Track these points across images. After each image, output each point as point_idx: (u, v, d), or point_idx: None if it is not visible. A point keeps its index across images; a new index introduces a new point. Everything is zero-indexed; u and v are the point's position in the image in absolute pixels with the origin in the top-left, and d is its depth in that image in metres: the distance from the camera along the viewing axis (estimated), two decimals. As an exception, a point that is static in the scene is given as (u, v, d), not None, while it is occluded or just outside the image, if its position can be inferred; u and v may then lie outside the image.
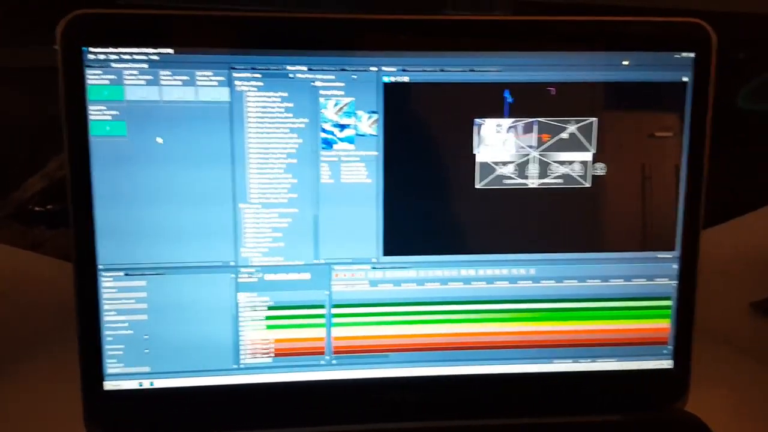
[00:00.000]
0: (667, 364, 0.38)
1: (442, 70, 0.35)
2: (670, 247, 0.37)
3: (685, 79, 0.36)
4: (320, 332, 0.37)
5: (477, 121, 0.36)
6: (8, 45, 0.54)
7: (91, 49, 0.33)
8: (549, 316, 0.37)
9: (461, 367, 0.38)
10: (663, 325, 0.38)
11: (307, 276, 0.36)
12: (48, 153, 0.55)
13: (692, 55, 0.36)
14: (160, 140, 0.34)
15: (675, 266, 0.37)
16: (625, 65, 0.36)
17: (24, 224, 0.54)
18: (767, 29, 0.56)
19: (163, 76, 0.33)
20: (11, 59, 0.54)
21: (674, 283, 0.38)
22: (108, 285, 0.35)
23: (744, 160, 0.60)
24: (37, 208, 0.55)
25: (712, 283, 0.41)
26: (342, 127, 0.35)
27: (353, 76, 0.35)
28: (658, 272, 0.37)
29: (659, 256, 0.37)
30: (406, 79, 0.35)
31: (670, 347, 0.38)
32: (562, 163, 0.36)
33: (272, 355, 0.37)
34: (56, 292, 0.47)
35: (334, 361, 0.37)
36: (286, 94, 0.34)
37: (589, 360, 0.38)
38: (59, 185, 0.54)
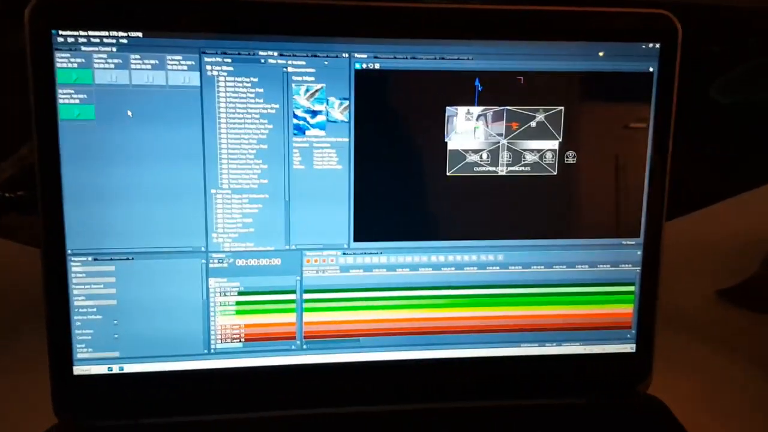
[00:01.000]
0: (630, 348, 0.39)
1: (414, 58, 0.35)
2: (634, 234, 0.38)
3: (651, 69, 0.37)
4: (291, 317, 0.37)
5: (448, 108, 0.36)
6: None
7: (60, 32, 0.33)
8: (516, 301, 0.38)
9: (431, 351, 0.38)
10: (626, 310, 0.39)
11: (277, 261, 0.36)
12: (19, 139, 0.54)
13: (658, 45, 0.36)
14: (130, 113, 0.33)
15: (639, 253, 0.38)
16: (593, 55, 0.36)
17: (-5, 211, 0.54)
18: (741, 22, 0.57)
19: (133, 59, 0.33)
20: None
21: (638, 269, 0.38)
22: (77, 270, 0.35)
23: (715, 151, 0.61)
24: (8, 195, 0.54)
25: (680, 272, 0.42)
26: (313, 113, 0.35)
27: (325, 62, 0.35)
28: (622, 258, 0.38)
29: (624, 242, 0.38)
30: (377, 66, 0.35)
31: (634, 332, 0.39)
32: (530, 151, 0.37)
33: (243, 340, 0.37)
34: (29, 279, 0.46)
35: (305, 346, 0.37)
36: (257, 80, 0.34)
37: (554, 344, 0.39)
38: (31, 171, 0.53)
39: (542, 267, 0.38)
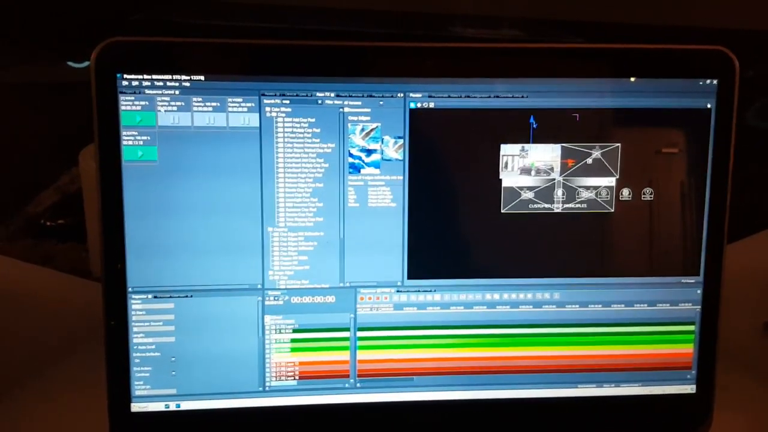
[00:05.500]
0: (690, 389, 0.38)
1: (468, 96, 0.35)
2: (694, 272, 0.37)
3: (708, 105, 0.36)
4: (345, 355, 0.37)
5: (502, 146, 0.36)
6: (19, 61, 0.55)
7: (125, 76, 0.34)
8: (573, 340, 0.38)
9: (485, 391, 0.38)
10: (686, 350, 0.38)
11: (332, 299, 0.36)
12: (59, 168, 0.55)
13: (715, 81, 0.36)
14: (191, 155, 0.34)
15: (699, 291, 0.37)
16: (649, 92, 0.36)
17: (35, 238, 0.55)
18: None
19: (195, 102, 0.34)
20: (22, 75, 0.55)
21: (698, 308, 0.38)
22: (137, 307, 0.35)
23: (757, 178, 0.60)
24: (48, 223, 0.55)
25: (725, 302, 0.40)
26: (368, 152, 0.36)
27: (380, 102, 0.35)
28: (682, 297, 0.38)
29: (683, 281, 0.37)
30: (431, 105, 0.35)
31: (694, 372, 0.38)
32: (586, 188, 0.37)
33: (297, 377, 0.37)
34: (67, 306, 0.47)
35: (358, 385, 0.37)
36: (314, 120, 0.35)
37: (612, 385, 0.38)
38: (71, 199, 0.54)
39: (600, 306, 0.37)
